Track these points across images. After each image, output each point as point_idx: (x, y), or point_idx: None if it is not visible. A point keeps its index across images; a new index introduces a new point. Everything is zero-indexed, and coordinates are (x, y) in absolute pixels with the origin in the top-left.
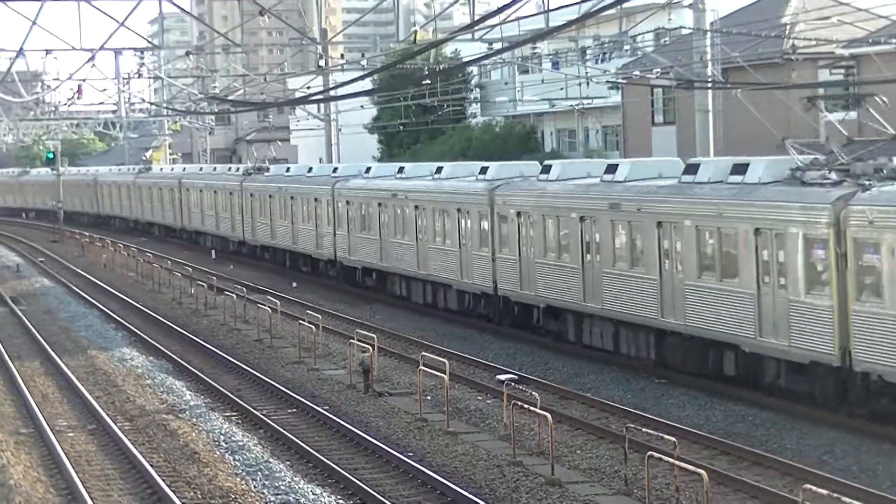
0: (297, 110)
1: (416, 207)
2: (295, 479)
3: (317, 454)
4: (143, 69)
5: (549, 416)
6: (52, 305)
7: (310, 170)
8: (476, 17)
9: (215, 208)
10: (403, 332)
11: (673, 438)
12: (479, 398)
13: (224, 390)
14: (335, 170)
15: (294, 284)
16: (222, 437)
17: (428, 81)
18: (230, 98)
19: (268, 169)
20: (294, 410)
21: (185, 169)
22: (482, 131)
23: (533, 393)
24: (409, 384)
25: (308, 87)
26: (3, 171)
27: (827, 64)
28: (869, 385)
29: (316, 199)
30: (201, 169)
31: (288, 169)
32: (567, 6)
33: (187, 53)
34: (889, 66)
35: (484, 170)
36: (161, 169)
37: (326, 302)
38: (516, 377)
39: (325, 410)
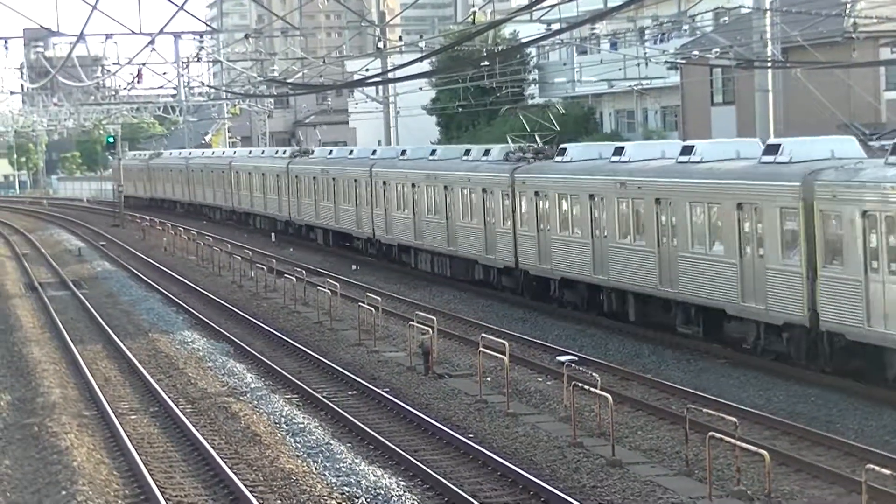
0: (355, 93)
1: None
2: (356, 460)
3: (377, 436)
4: (203, 53)
5: (609, 397)
6: (114, 289)
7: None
8: None
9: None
10: (463, 313)
11: (734, 419)
12: (539, 380)
13: (285, 373)
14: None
15: (354, 267)
16: (283, 420)
17: (486, 63)
18: (289, 81)
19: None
20: (354, 392)
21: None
22: (540, 112)
23: (593, 374)
24: (469, 366)
25: (367, 70)
26: (131, 155)
27: (889, 42)
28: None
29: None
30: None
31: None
32: None
33: (246, 36)
34: None
35: (467, 151)
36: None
37: (386, 284)
38: (576, 358)
39: (386, 392)
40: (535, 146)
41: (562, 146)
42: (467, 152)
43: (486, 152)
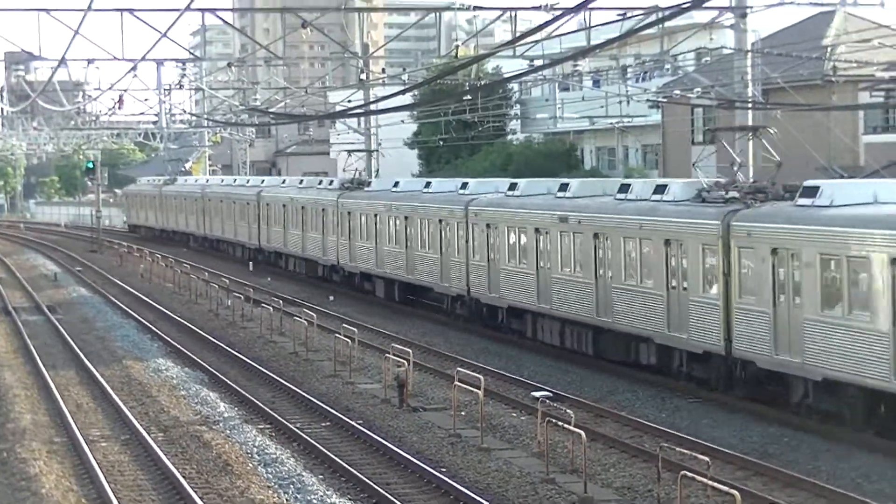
0: (337, 124)
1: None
2: (327, 492)
3: (350, 468)
4: (185, 80)
5: (582, 433)
6: (89, 315)
7: (428, 184)
8: (518, 34)
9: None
10: (439, 347)
11: (706, 458)
12: (514, 415)
13: (258, 402)
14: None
15: (331, 298)
16: (256, 450)
17: (468, 97)
18: (271, 110)
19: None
20: (328, 424)
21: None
22: (523, 147)
23: (567, 410)
24: (444, 399)
25: (349, 101)
26: (144, 181)
27: (867, 86)
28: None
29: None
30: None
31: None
32: (609, 23)
33: (229, 65)
34: None
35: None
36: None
37: (363, 316)
38: (551, 394)
39: (359, 424)
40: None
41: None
42: (427, 185)
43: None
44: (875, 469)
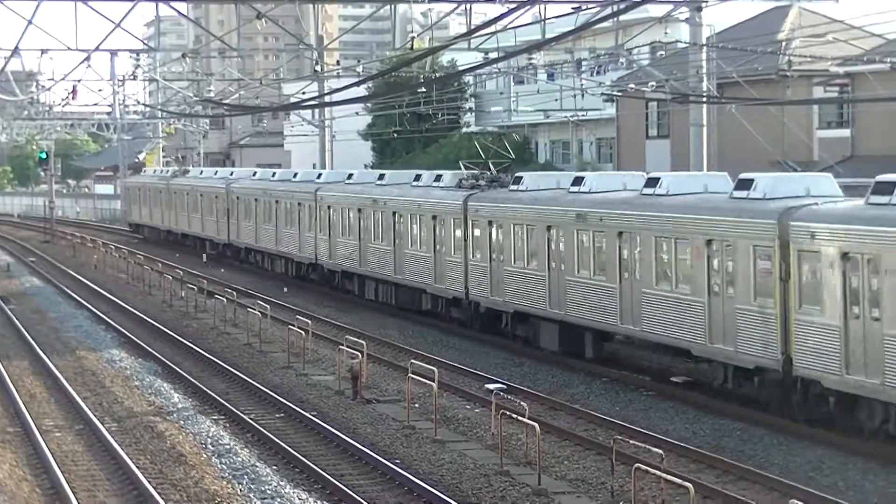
0: (291, 116)
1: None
2: (281, 483)
3: (304, 459)
4: (139, 71)
5: (536, 426)
6: (42, 305)
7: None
8: (472, 27)
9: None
10: (393, 339)
11: (660, 451)
12: (468, 407)
13: (212, 394)
14: (319, 175)
15: (285, 289)
16: (209, 441)
17: (423, 90)
18: (225, 102)
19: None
20: (282, 415)
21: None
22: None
23: (521, 403)
24: (398, 391)
25: (303, 93)
26: (149, 173)
27: (822, 81)
28: None
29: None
30: (350, 176)
31: (381, 175)
32: (563, 16)
33: (183, 56)
34: (884, 84)
35: (417, 177)
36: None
37: (316, 307)
38: (505, 387)
39: (313, 416)
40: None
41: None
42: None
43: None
44: (827, 462)
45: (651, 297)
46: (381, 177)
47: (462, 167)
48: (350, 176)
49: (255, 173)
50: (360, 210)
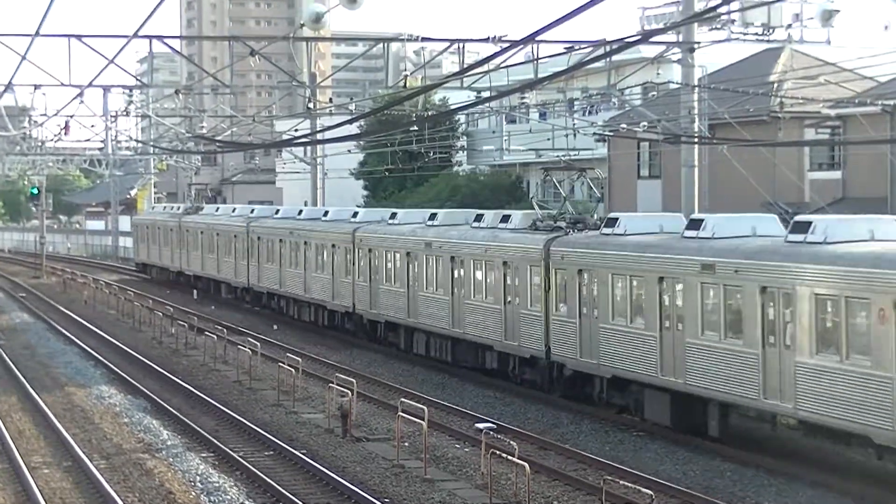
0: (283, 153)
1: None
2: None
3: (293, 497)
4: (131, 107)
5: (526, 465)
6: (32, 341)
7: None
8: (465, 66)
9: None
10: (383, 377)
11: (650, 492)
12: (458, 446)
13: (202, 431)
14: (355, 214)
15: (275, 327)
16: (198, 478)
17: (415, 128)
18: (217, 138)
19: (277, 211)
20: (271, 453)
21: (356, 215)
22: (468, 179)
23: (511, 442)
24: (388, 430)
25: (296, 130)
26: (160, 209)
27: (813, 123)
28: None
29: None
30: (393, 216)
31: (300, 211)
32: (556, 55)
33: (176, 92)
34: (874, 126)
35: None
36: (300, 211)
37: (307, 345)
38: (495, 426)
39: (303, 454)
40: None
41: (394, 211)
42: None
43: (506, 219)
44: (817, 503)
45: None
46: (433, 216)
47: (536, 207)
48: (393, 216)
49: (277, 211)
50: (408, 254)
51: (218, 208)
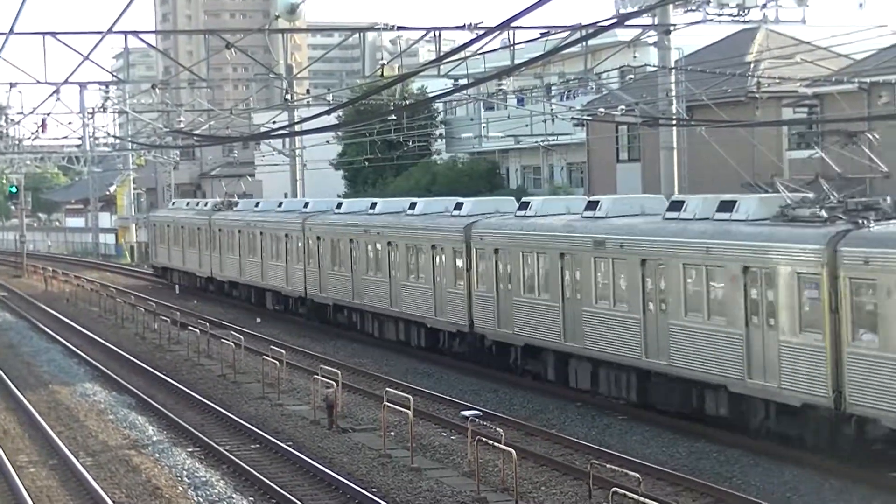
0: (262, 145)
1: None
2: None
3: (280, 490)
4: (108, 103)
5: (513, 452)
6: (14, 340)
7: (280, 204)
8: (442, 54)
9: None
10: (368, 368)
11: (637, 475)
12: (444, 434)
13: (187, 426)
14: (306, 204)
15: (258, 320)
16: (185, 473)
17: (393, 117)
18: (195, 133)
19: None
20: (257, 446)
21: (307, 204)
22: (447, 167)
23: (497, 429)
24: (374, 420)
25: (273, 123)
26: (183, 204)
27: (791, 102)
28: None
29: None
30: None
31: (257, 203)
32: (532, 41)
33: (153, 87)
34: (852, 104)
35: (340, 205)
36: (370, 205)
37: (290, 337)
38: (481, 413)
39: (289, 446)
40: None
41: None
42: (459, 206)
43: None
44: (804, 483)
45: None
46: (257, 204)
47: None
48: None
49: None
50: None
51: (258, 203)
